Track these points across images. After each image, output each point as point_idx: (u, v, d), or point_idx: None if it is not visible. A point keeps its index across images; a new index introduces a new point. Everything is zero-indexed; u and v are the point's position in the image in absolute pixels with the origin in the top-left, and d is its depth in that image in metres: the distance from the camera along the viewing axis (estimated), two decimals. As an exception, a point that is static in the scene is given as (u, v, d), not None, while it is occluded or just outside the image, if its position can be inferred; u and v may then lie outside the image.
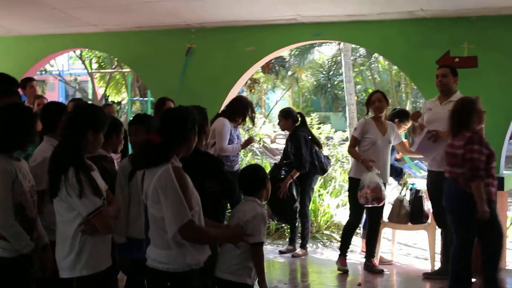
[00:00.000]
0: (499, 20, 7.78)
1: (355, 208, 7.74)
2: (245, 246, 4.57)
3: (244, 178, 4.84)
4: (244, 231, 4.34)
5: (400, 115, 8.33)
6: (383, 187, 7.44)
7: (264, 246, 4.64)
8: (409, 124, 8.35)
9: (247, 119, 8.17)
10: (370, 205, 7.47)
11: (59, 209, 4.11)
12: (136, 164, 4.21)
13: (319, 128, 14.48)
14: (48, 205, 4.64)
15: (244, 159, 12.24)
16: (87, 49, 19.39)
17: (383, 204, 7.65)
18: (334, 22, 8.62)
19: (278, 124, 8.93)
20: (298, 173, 8.47)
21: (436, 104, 7.26)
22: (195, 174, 4.15)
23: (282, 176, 8.44)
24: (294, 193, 8.44)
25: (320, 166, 8.69)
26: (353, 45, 16.02)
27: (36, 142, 5.72)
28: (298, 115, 8.81)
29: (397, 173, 8.34)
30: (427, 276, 7.55)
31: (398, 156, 8.74)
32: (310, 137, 8.68)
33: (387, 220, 8.16)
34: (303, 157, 8.45)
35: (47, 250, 4.33)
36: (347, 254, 7.93)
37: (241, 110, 8.10)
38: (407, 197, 8.11)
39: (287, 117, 8.71)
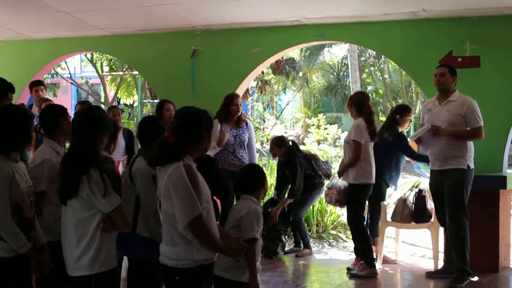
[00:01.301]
0: (501, 20, 7.79)
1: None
2: None
3: (243, 177, 4.89)
4: (241, 248, 4.38)
5: (400, 111, 8.34)
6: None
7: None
8: (412, 116, 8.41)
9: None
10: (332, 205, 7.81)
11: (76, 209, 4.28)
12: (151, 162, 4.41)
13: (325, 128, 14.49)
14: (47, 205, 4.75)
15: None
16: (97, 52, 19.52)
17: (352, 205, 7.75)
18: (337, 23, 8.64)
19: (270, 151, 9.08)
20: (289, 201, 8.72)
21: (436, 104, 7.27)
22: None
23: (269, 210, 8.70)
24: (282, 225, 8.69)
25: (324, 173, 8.86)
26: (362, 47, 16.06)
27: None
28: (290, 142, 8.99)
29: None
30: (430, 275, 7.57)
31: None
32: (304, 157, 8.81)
33: (390, 220, 8.19)
34: (296, 185, 8.58)
35: (44, 250, 4.40)
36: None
37: (221, 107, 8.34)
38: (411, 197, 8.13)
39: (281, 146, 8.81)
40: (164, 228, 4.17)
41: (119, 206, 4.28)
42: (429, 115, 7.30)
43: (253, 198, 4.77)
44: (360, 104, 7.64)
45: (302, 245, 8.87)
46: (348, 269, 7.82)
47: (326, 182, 9.18)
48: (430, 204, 7.89)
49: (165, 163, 4.09)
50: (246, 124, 8.57)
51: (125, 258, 5.35)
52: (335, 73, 30.84)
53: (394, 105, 9.09)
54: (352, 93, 15.73)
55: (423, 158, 8.07)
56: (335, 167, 11.20)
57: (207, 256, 4.12)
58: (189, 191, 3.96)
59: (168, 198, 4.02)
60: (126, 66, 20.65)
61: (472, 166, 7.15)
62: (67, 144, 5.16)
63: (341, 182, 7.76)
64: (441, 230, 7.73)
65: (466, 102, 7.07)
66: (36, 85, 9.49)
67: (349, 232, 9.54)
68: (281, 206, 8.68)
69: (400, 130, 8.29)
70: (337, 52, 30.37)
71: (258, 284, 4.65)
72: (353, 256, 8.09)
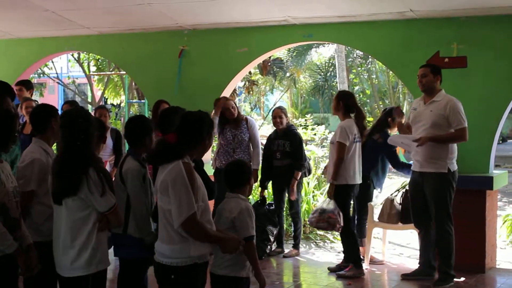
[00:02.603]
0: (488, 20, 7.81)
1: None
2: None
3: (230, 173, 4.85)
4: (240, 245, 4.41)
5: (392, 113, 8.33)
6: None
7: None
8: (403, 120, 8.36)
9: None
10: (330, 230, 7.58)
11: (72, 209, 4.32)
12: (150, 161, 4.54)
13: (313, 129, 14.51)
14: (36, 205, 4.74)
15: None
16: (84, 52, 19.43)
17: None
18: (325, 23, 8.64)
19: (278, 121, 8.72)
20: (300, 174, 8.60)
21: (421, 104, 7.25)
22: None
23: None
24: (270, 225, 8.67)
25: (308, 168, 8.86)
26: (349, 47, 16.08)
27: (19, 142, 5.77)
28: None
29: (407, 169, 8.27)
30: (405, 277, 7.52)
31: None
32: None
33: (377, 220, 8.19)
34: (303, 157, 8.57)
35: (31, 250, 4.37)
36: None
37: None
38: (398, 197, 8.13)
39: (287, 115, 8.87)
40: (160, 225, 4.19)
41: (114, 205, 4.37)
42: (414, 114, 7.29)
43: (240, 196, 4.76)
44: (350, 106, 7.63)
45: (284, 245, 8.85)
46: (329, 269, 7.88)
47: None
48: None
49: (164, 162, 4.14)
50: (247, 123, 8.54)
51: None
52: (322, 74, 30.84)
53: (387, 107, 9.02)
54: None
55: (404, 168, 8.08)
56: (322, 167, 11.22)
57: (203, 252, 4.14)
58: (186, 188, 4.00)
59: (165, 195, 4.06)
60: (113, 66, 20.57)
61: (453, 168, 7.10)
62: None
63: (332, 205, 7.53)
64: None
65: (450, 103, 7.00)
66: (16, 84, 9.47)
67: (336, 233, 9.56)
68: (294, 182, 8.53)
69: (390, 132, 8.27)
70: (324, 53, 30.41)
71: (264, 279, 4.67)
72: (340, 256, 8.09)
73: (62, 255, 4.39)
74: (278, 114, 8.77)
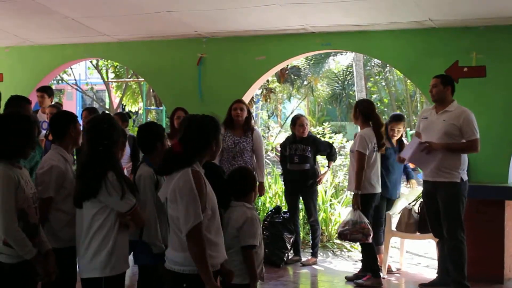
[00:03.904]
0: (507, 29, 7.79)
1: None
2: (238, 251, 4.71)
3: (234, 181, 4.83)
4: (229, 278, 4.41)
5: (391, 119, 8.33)
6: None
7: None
8: (401, 127, 8.30)
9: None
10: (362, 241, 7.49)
11: (90, 211, 4.37)
12: (159, 172, 4.50)
13: (330, 137, 14.48)
14: (54, 212, 4.76)
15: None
16: (103, 59, 19.55)
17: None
18: (343, 31, 8.65)
19: (306, 128, 8.80)
20: (332, 163, 9.21)
21: (432, 113, 7.21)
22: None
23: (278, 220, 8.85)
24: (287, 233, 8.70)
25: (317, 172, 8.87)
26: (367, 56, 16.08)
27: (40, 148, 5.82)
28: None
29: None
30: (423, 287, 7.47)
31: (412, 165, 8.65)
32: None
33: (395, 229, 8.16)
34: (335, 149, 9.14)
35: (49, 255, 4.40)
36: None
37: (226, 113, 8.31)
38: (416, 207, 8.10)
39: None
40: (171, 233, 4.16)
41: (134, 205, 4.40)
42: (425, 123, 7.25)
43: (246, 204, 4.74)
44: (368, 114, 7.62)
45: (302, 253, 8.85)
46: (347, 278, 7.85)
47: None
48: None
49: (172, 171, 4.10)
50: (252, 133, 8.34)
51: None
52: (340, 82, 30.81)
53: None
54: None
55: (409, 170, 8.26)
56: (339, 176, 11.21)
57: (213, 263, 4.08)
58: (194, 197, 3.95)
59: (174, 203, 4.03)
60: (131, 73, 20.66)
61: (465, 178, 7.07)
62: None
63: (361, 215, 7.37)
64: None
65: (463, 114, 6.98)
66: (38, 91, 9.55)
67: (353, 242, 9.53)
68: (328, 170, 9.24)
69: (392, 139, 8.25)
70: (342, 61, 30.39)
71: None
72: (358, 265, 8.06)
73: (81, 257, 4.46)
74: (305, 122, 8.83)
